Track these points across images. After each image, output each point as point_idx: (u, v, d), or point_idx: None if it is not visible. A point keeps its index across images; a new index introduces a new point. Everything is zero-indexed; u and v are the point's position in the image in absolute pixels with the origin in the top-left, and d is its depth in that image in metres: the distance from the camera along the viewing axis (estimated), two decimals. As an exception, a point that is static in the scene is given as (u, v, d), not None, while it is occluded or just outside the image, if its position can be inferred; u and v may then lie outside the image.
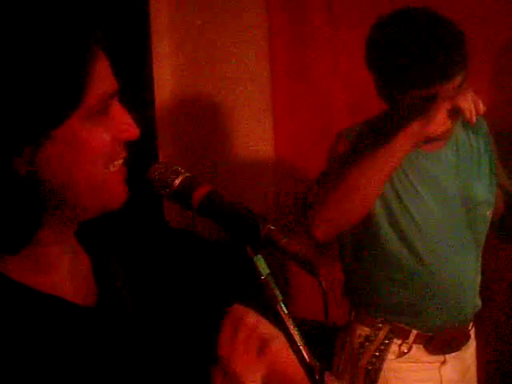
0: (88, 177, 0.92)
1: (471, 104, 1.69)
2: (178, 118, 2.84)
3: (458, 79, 1.74)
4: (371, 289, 1.96)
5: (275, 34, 2.67)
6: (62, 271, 0.98)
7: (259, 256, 0.96)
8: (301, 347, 0.95)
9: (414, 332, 1.93)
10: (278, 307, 0.95)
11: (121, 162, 0.96)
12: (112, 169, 0.94)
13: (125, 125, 0.94)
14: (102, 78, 0.91)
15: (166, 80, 2.77)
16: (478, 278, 2.00)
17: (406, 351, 1.93)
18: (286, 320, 0.95)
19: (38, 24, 0.88)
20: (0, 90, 0.86)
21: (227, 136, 2.79)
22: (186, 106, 2.83)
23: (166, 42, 2.77)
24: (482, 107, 1.70)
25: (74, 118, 0.88)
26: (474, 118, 1.71)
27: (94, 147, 0.91)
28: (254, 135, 2.76)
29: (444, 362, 1.96)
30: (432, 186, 1.89)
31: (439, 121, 1.72)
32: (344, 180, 1.78)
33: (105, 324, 1.00)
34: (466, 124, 1.99)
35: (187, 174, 0.98)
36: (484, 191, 1.94)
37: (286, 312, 0.95)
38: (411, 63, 1.73)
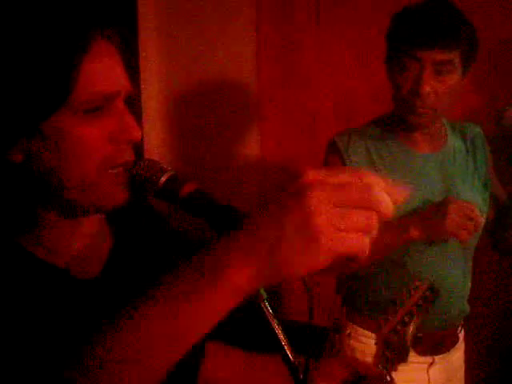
0: (80, 174, 0.92)
1: (471, 235, 1.77)
2: (164, 121, 2.84)
3: (444, 54, 1.73)
4: (364, 290, 1.96)
5: (263, 37, 2.69)
6: (72, 247, 1.00)
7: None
8: (285, 346, 0.95)
9: (403, 333, 1.93)
10: (263, 306, 0.95)
11: (122, 165, 0.95)
12: (110, 171, 0.94)
13: (124, 126, 0.93)
14: (97, 76, 0.90)
15: (153, 80, 2.77)
16: (468, 284, 2.00)
17: (394, 352, 1.94)
18: (270, 319, 0.95)
19: (30, 20, 0.88)
20: None
21: (214, 138, 2.79)
22: (171, 109, 2.83)
23: (153, 44, 2.77)
24: (479, 230, 1.79)
25: (63, 113, 0.89)
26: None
27: (85, 145, 0.91)
28: (241, 138, 2.76)
29: (432, 364, 1.97)
30: (422, 188, 1.89)
31: (438, 236, 1.80)
32: None
33: (98, 295, 1.00)
34: (464, 133, 1.99)
35: (173, 172, 0.97)
36: (475, 199, 1.93)
37: (271, 311, 0.95)
38: (404, 20, 1.78)
